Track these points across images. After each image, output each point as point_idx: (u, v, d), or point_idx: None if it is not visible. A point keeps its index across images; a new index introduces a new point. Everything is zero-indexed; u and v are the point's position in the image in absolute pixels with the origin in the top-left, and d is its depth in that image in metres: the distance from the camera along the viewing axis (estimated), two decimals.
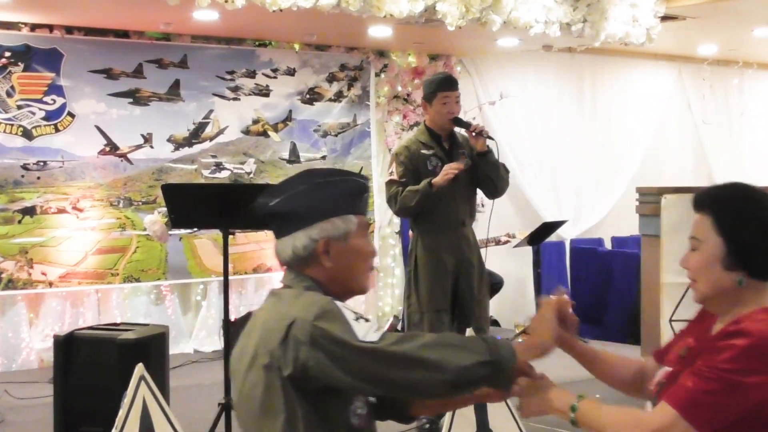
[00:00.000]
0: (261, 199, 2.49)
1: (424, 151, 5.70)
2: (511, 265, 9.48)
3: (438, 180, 5.52)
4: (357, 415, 2.38)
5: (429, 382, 2.24)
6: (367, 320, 2.30)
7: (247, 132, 8.70)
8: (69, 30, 7.82)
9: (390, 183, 5.75)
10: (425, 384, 2.24)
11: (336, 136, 9.17)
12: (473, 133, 5.63)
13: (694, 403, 2.23)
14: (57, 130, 7.77)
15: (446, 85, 5.80)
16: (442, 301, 5.67)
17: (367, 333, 2.25)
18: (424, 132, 5.81)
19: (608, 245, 10.20)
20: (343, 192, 2.46)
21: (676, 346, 2.55)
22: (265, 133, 8.81)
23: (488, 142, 5.70)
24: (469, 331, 5.14)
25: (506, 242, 9.04)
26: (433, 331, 5.53)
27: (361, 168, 9.08)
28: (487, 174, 5.67)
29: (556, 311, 2.49)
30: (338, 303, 2.32)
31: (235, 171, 8.62)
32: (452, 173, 5.51)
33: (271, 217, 2.46)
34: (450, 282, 5.70)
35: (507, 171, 5.82)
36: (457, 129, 5.81)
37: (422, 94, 5.87)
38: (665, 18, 8.71)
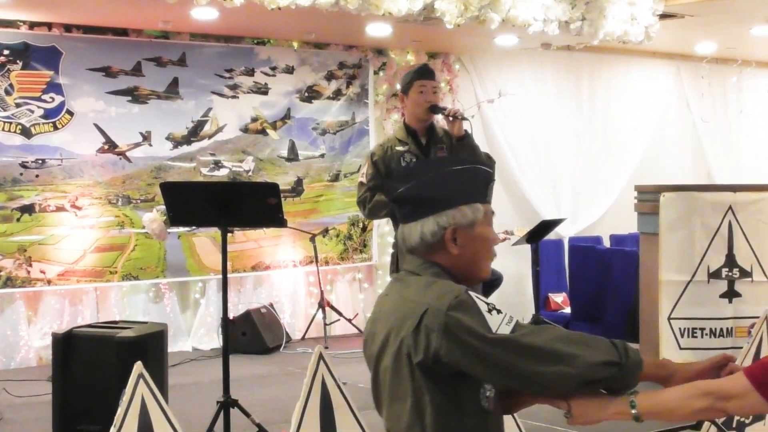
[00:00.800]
0: (390, 183, 2.57)
1: (398, 148, 5.64)
2: (509, 262, 9.48)
3: None
4: (486, 398, 2.41)
5: (558, 375, 2.25)
6: (499, 311, 2.34)
7: (245, 130, 8.70)
8: (68, 28, 7.82)
9: (360, 185, 5.74)
10: (554, 377, 2.26)
11: (335, 134, 9.17)
12: (449, 117, 5.56)
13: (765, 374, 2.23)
14: (56, 128, 7.77)
15: (422, 74, 5.71)
16: None
17: (500, 325, 2.30)
18: (401, 128, 5.76)
19: (607, 243, 10.20)
20: (472, 181, 2.52)
21: None
22: (263, 131, 8.81)
23: (465, 125, 5.63)
24: None
25: (504, 239, 9.03)
26: None
27: (360, 167, 9.08)
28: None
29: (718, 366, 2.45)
30: (472, 293, 2.35)
31: (234, 169, 8.62)
32: None
33: (401, 202, 2.51)
34: None
35: (492, 160, 5.59)
36: (438, 123, 5.76)
37: (400, 89, 5.79)
38: (664, 16, 8.71)
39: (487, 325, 2.29)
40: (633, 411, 2.28)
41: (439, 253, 2.47)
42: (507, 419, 4.59)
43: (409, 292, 2.42)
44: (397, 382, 2.37)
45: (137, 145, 8.16)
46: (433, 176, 2.50)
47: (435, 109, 5.58)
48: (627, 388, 2.31)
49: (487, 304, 2.34)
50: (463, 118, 5.55)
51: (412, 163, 5.55)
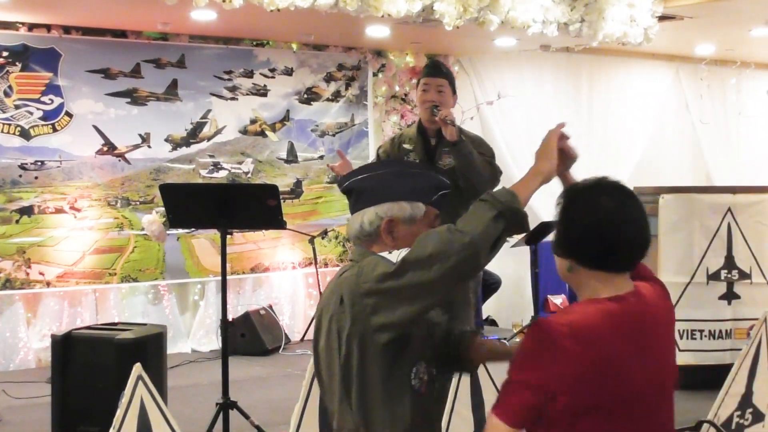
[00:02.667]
0: (343, 177, 2.73)
1: (405, 146, 5.32)
2: (508, 264, 9.48)
3: None
4: (419, 379, 2.50)
5: (464, 257, 2.33)
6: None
7: (244, 132, 8.70)
8: (67, 30, 7.82)
9: None
10: (463, 261, 2.33)
11: (334, 135, 9.17)
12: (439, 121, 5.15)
13: (505, 403, 2.26)
14: (55, 129, 7.77)
15: (426, 71, 5.41)
16: None
17: (398, 255, 2.40)
18: (415, 127, 5.43)
19: None
20: (419, 183, 2.63)
21: None
22: (262, 133, 8.81)
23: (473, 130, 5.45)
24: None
25: None
26: (426, 330, 5.33)
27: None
28: (459, 167, 5.07)
29: (558, 141, 2.68)
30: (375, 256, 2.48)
31: (233, 171, 8.62)
32: None
33: (348, 193, 2.69)
34: None
35: (497, 170, 5.33)
36: (468, 131, 5.43)
37: None
38: (663, 18, 8.71)
39: (389, 261, 2.39)
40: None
41: (377, 244, 2.58)
42: None
43: (339, 278, 2.55)
44: (329, 359, 2.52)
45: (136, 146, 8.16)
46: (382, 173, 2.67)
47: (433, 110, 5.19)
48: (523, 225, 2.48)
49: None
50: (452, 124, 5.11)
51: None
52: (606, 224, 2.39)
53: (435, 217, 2.64)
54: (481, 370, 4.37)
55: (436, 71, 5.35)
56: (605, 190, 2.49)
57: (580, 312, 2.29)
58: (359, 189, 2.64)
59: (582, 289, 2.38)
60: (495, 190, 2.49)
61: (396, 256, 2.41)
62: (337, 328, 2.47)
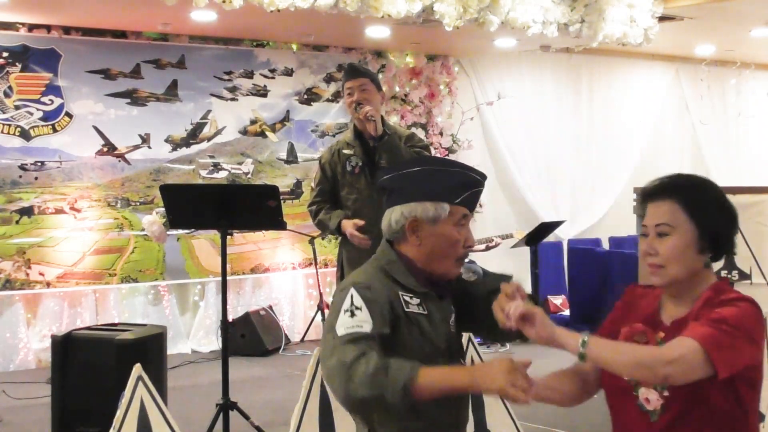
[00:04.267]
0: (381, 171, 2.76)
1: (345, 151, 5.40)
2: (508, 265, 9.48)
3: (346, 231, 5.28)
4: None
5: (338, 391, 2.43)
6: (354, 316, 2.48)
7: (244, 132, 8.70)
8: (67, 30, 7.82)
9: (311, 189, 5.62)
10: (336, 389, 2.44)
11: (333, 136, 9.17)
12: (362, 118, 5.28)
13: (716, 341, 2.29)
14: (55, 130, 7.77)
15: (347, 75, 5.47)
16: None
17: (343, 326, 2.47)
18: (350, 131, 5.50)
19: (606, 245, 10.20)
20: (447, 183, 2.65)
21: (620, 336, 2.57)
22: (262, 134, 8.81)
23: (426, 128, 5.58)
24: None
25: (496, 245, 9.03)
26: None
27: None
28: (388, 162, 5.15)
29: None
30: (354, 289, 2.53)
31: (233, 171, 8.62)
32: (355, 239, 5.24)
33: (381, 190, 2.75)
34: None
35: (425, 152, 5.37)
36: (397, 127, 5.67)
37: None
38: (663, 18, 8.71)
39: (335, 321, 2.48)
40: (582, 349, 2.35)
41: (403, 243, 2.68)
42: (507, 421, 4.59)
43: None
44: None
45: (136, 147, 8.16)
46: (414, 171, 2.67)
47: (355, 108, 5.30)
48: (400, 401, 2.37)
49: (356, 306, 2.49)
50: (372, 119, 5.22)
51: (358, 167, 5.35)
52: (734, 213, 2.55)
53: (463, 217, 2.66)
54: None
55: (356, 73, 5.46)
56: (712, 183, 2.60)
57: (737, 293, 2.46)
58: (390, 187, 2.69)
59: (703, 284, 2.49)
60: (398, 368, 2.39)
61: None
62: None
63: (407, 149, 5.30)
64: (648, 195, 2.56)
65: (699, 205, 2.47)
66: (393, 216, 2.66)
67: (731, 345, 2.30)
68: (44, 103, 7.72)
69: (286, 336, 8.59)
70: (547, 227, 9.03)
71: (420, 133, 9.56)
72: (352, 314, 2.47)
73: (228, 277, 5.50)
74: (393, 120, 9.42)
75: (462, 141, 9.84)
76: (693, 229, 2.45)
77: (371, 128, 5.24)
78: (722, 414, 2.39)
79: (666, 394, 2.42)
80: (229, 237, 5.52)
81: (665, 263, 2.49)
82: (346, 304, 2.49)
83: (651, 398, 2.44)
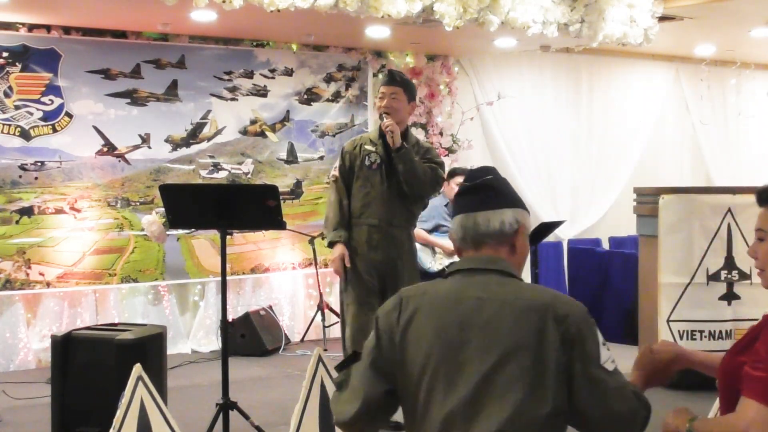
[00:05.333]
0: (473, 172, 2.62)
1: (367, 147, 5.76)
2: None
3: (334, 255, 5.73)
4: None
5: (630, 418, 2.46)
6: (608, 349, 2.44)
7: (244, 132, 8.70)
8: (67, 30, 7.82)
9: (332, 176, 5.96)
10: (627, 420, 2.46)
11: (334, 136, 9.17)
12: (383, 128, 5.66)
13: None
14: (55, 130, 7.77)
15: (383, 80, 5.88)
16: (364, 295, 5.71)
17: (607, 360, 2.40)
18: (376, 130, 5.85)
19: (606, 245, 10.21)
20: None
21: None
22: (262, 134, 8.81)
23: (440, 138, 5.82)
24: None
25: None
26: (357, 322, 5.68)
27: None
28: (402, 172, 5.58)
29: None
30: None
31: (233, 171, 8.62)
32: (335, 265, 5.72)
33: (485, 188, 2.53)
34: (377, 278, 5.73)
35: (435, 172, 5.66)
36: (420, 140, 5.94)
37: None
38: (663, 18, 8.71)
39: (597, 355, 2.39)
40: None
41: (506, 248, 2.52)
42: None
43: (510, 292, 2.43)
44: (537, 383, 2.33)
45: (136, 147, 8.16)
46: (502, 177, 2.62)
47: (381, 117, 5.68)
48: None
49: (603, 339, 2.44)
50: (389, 132, 5.57)
51: (376, 163, 5.67)
52: None
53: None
54: None
55: (391, 80, 5.76)
56: None
57: None
58: (498, 188, 2.55)
59: None
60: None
61: None
62: (555, 347, 2.35)
63: (421, 163, 5.62)
64: (759, 200, 2.63)
65: None
66: (506, 218, 2.50)
67: None
68: (44, 103, 7.71)
69: (286, 336, 8.59)
70: (547, 227, 9.02)
71: (420, 134, 9.57)
72: (606, 347, 2.43)
73: (228, 277, 5.50)
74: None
75: (462, 141, 9.85)
76: None
77: (389, 139, 5.56)
78: None
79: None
80: (228, 237, 5.53)
81: (763, 267, 2.54)
82: (600, 338, 2.40)
83: None
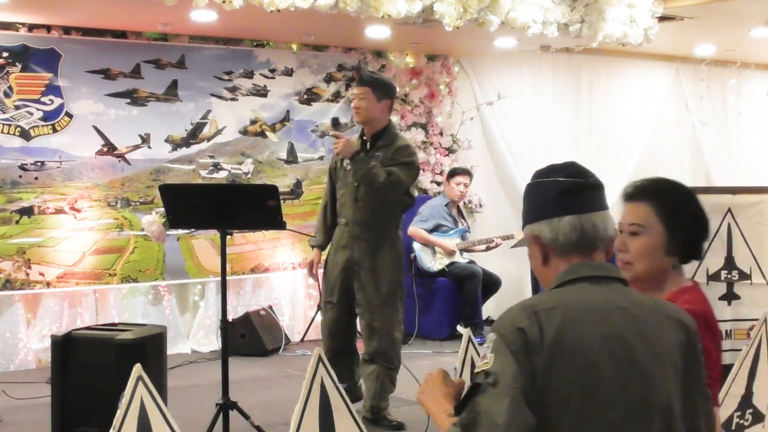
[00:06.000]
0: (573, 167, 2.37)
1: None
2: (509, 265, 9.49)
3: (309, 257, 6.24)
4: None
5: None
6: None
7: (244, 132, 8.70)
8: (67, 30, 7.82)
9: None
10: None
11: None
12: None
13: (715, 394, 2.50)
14: (55, 130, 7.77)
15: (355, 82, 6.13)
16: (330, 294, 5.97)
17: None
18: (358, 133, 6.08)
19: None
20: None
21: None
22: (262, 134, 8.81)
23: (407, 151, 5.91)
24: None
25: (497, 245, 9.04)
26: (323, 322, 6.08)
27: None
28: (357, 180, 5.79)
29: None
30: None
31: (233, 171, 8.62)
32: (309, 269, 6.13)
33: (600, 187, 2.34)
34: (341, 278, 5.91)
35: (386, 181, 5.65)
36: (398, 138, 5.99)
37: None
38: (663, 18, 8.71)
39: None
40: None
41: (604, 254, 2.31)
42: None
43: (645, 301, 2.25)
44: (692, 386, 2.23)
45: (136, 147, 8.16)
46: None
47: (333, 122, 6.07)
48: None
49: None
50: (335, 136, 5.90)
51: (350, 166, 5.83)
52: (706, 221, 2.70)
53: None
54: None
55: (359, 81, 5.96)
56: (690, 191, 2.71)
57: (697, 300, 2.72)
58: (604, 187, 2.36)
59: (669, 283, 2.67)
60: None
61: None
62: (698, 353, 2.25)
63: (380, 168, 5.69)
64: (627, 195, 2.66)
65: (671, 210, 2.60)
66: (613, 222, 2.32)
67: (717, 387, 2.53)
68: (44, 103, 7.71)
69: (286, 336, 8.59)
70: None
71: (420, 134, 9.57)
72: None
73: (228, 277, 5.50)
74: (393, 119, 9.40)
75: (462, 141, 9.84)
76: (663, 232, 2.60)
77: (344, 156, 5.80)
78: None
79: None
80: (228, 237, 5.53)
81: (633, 260, 2.64)
82: None
83: None
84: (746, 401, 4.83)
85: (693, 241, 2.66)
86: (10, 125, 7.57)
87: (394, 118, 9.31)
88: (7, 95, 7.55)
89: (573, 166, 2.37)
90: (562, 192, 2.29)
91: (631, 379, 2.13)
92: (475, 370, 2.13)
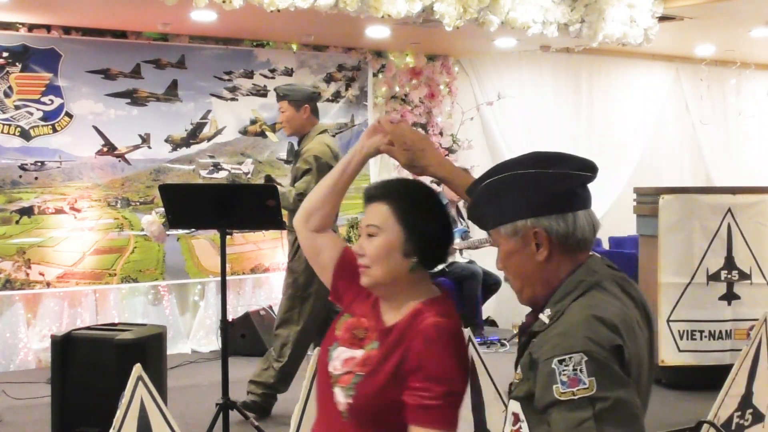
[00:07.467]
0: (587, 161, 2.32)
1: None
2: None
3: None
4: None
5: None
6: None
7: (244, 132, 8.71)
8: (67, 30, 7.82)
9: None
10: None
11: (334, 136, 9.14)
12: None
13: (443, 418, 2.35)
14: (55, 130, 7.77)
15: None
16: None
17: None
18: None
19: (606, 245, 10.21)
20: None
21: (345, 323, 2.61)
22: (262, 134, 8.81)
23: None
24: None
25: (477, 248, 9.05)
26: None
27: None
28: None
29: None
30: None
31: (233, 171, 8.62)
32: None
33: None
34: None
35: (295, 202, 5.66)
36: (311, 147, 6.00)
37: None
38: (663, 18, 8.71)
39: None
40: None
41: None
42: None
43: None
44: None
45: (136, 147, 8.16)
46: None
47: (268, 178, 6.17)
48: None
49: None
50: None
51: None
52: (446, 223, 2.54)
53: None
54: (480, 371, 4.37)
55: (276, 97, 6.20)
56: (431, 190, 2.57)
57: (454, 311, 2.52)
58: None
59: (414, 290, 2.52)
60: None
61: None
62: None
63: (289, 193, 5.84)
64: (367, 197, 2.57)
65: (409, 210, 2.47)
66: None
67: (453, 409, 2.37)
68: (44, 103, 7.71)
69: None
70: None
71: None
72: None
73: (228, 277, 5.50)
74: None
75: (462, 141, 9.85)
76: (400, 233, 2.47)
77: None
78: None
79: (350, 401, 2.46)
80: (228, 237, 5.53)
81: (370, 264, 2.51)
82: None
83: (340, 400, 2.49)
84: (746, 401, 4.83)
85: (432, 243, 2.49)
86: (10, 125, 7.57)
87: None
88: (7, 95, 7.55)
89: (574, 157, 2.31)
90: (579, 185, 2.24)
91: (649, 379, 2.19)
92: (565, 398, 1.97)
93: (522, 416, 2.13)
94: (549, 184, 2.20)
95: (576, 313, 2.09)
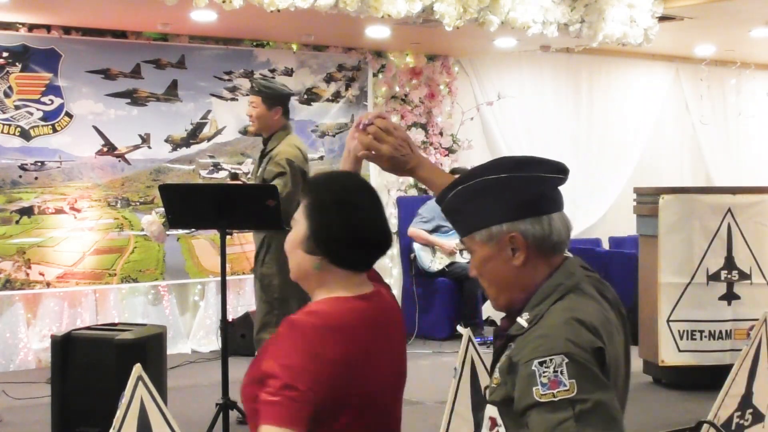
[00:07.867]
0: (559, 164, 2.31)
1: None
2: None
3: None
4: None
5: None
6: None
7: (244, 132, 8.70)
8: (67, 30, 7.82)
9: None
10: None
11: (334, 136, 9.18)
12: None
13: (285, 415, 2.14)
14: (55, 130, 7.77)
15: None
16: None
17: None
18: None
19: (606, 245, 10.21)
20: None
21: None
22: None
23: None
24: None
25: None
26: None
27: None
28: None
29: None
30: None
31: (233, 171, 8.61)
32: None
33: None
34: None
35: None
36: (281, 150, 5.99)
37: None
38: (663, 18, 8.71)
39: None
40: None
41: None
42: None
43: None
44: None
45: (136, 147, 8.16)
46: None
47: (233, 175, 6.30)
48: None
49: None
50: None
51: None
52: (361, 223, 2.35)
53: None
54: (480, 371, 4.37)
55: (251, 90, 6.16)
56: (355, 186, 2.42)
57: (333, 310, 2.28)
58: None
59: (325, 288, 2.35)
60: None
61: None
62: None
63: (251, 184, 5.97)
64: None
65: (317, 207, 2.35)
66: None
67: (294, 404, 2.13)
68: (44, 103, 7.71)
69: None
70: None
71: (420, 134, 9.57)
72: None
73: (228, 277, 5.51)
74: (393, 119, 9.40)
75: (462, 141, 9.85)
76: (305, 228, 2.34)
77: None
78: None
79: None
80: (228, 237, 5.53)
81: (288, 255, 2.42)
82: None
83: None
84: (746, 401, 4.83)
85: (336, 243, 2.32)
86: (10, 125, 7.58)
87: (395, 118, 9.34)
88: (7, 95, 7.55)
89: (545, 160, 2.28)
90: (551, 188, 2.23)
91: (625, 382, 2.20)
92: (545, 400, 1.94)
93: (499, 420, 2.11)
94: (521, 188, 2.18)
95: (556, 316, 2.05)
